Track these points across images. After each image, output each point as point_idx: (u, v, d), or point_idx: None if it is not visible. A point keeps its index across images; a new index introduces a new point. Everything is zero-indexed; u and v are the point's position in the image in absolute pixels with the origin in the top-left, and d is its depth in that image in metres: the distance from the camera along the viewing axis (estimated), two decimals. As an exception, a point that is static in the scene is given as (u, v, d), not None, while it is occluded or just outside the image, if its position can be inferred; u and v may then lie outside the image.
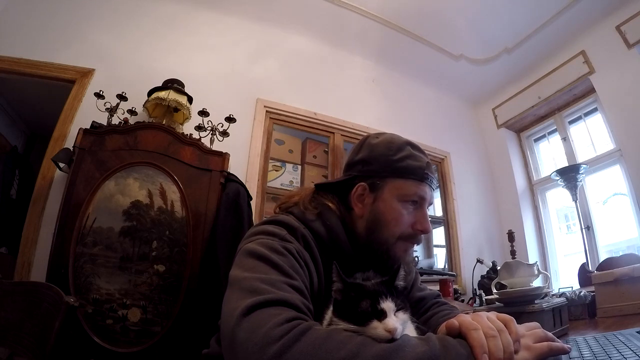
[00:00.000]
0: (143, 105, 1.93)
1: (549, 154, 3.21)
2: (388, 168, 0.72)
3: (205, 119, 1.95)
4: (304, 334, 0.43)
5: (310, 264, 0.64)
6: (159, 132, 1.71)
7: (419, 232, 0.73)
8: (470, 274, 2.61)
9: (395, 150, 0.73)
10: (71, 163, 1.59)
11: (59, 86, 2.04)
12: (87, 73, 2.04)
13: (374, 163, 0.74)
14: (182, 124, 2.02)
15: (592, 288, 1.51)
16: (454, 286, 2.47)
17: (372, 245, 0.71)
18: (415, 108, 3.25)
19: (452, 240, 2.97)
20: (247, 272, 0.55)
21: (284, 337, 0.42)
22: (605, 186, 2.68)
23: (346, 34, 2.88)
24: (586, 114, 2.90)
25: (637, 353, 0.57)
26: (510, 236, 1.76)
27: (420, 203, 0.73)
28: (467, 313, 0.56)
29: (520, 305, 1.22)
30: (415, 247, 2.95)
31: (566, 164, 2.71)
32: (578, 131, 2.97)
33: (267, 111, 2.49)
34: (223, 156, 1.82)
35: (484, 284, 2.43)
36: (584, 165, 2.52)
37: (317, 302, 0.60)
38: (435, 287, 2.25)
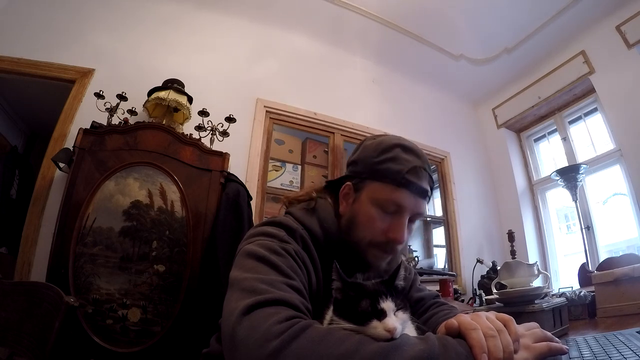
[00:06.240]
0: (143, 105, 1.94)
1: (549, 154, 3.21)
2: (368, 170, 0.70)
3: (205, 119, 1.95)
4: (304, 331, 0.44)
5: (308, 265, 0.65)
6: (159, 132, 1.71)
7: (390, 241, 0.67)
8: (470, 274, 2.61)
9: (380, 151, 0.70)
10: (71, 163, 1.59)
11: (59, 86, 2.04)
12: (87, 73, 2.04)
13: (359, 164, 0.73)
14: (182, 124, 2.02)
15: (592, 288, 1.51)
16: (454, 286, 2.47)
17: (347, 245, 0.71)
18: (415, 108, 3.25)
19: (452, 240, 2.97)
20: (247, 272, 0.56)
21: (283, 334, 0.43)
22: (605, 186, 2.68)
23: (346, 34, 2.88)
24: (586, 114, 2.90)
25: (637, 353, 0.57)
26: (510, 236, 1.75)
27: (398, 211, 0.67)
28: (466, 313, 0.56)
29: (520, 305, 1.22)
30: (415, 248, 2.97)
31: (566, 164, 2.71)
32: (578, 131, 2.97)
33: (267, 111, 2.49)
34: (223, 156, 1.82)
35: (484, 284, 2.43)
36: (584, 165, 2.52)
37: (315, 302, 0.60)
38: (435, 287, 2.25)
